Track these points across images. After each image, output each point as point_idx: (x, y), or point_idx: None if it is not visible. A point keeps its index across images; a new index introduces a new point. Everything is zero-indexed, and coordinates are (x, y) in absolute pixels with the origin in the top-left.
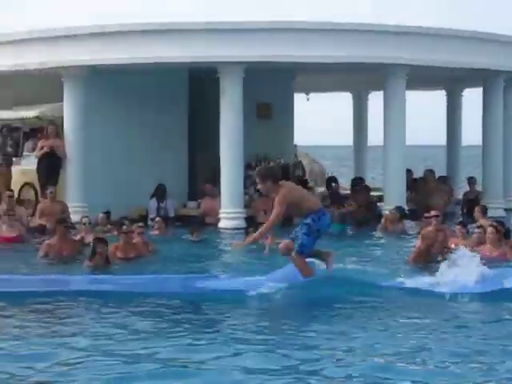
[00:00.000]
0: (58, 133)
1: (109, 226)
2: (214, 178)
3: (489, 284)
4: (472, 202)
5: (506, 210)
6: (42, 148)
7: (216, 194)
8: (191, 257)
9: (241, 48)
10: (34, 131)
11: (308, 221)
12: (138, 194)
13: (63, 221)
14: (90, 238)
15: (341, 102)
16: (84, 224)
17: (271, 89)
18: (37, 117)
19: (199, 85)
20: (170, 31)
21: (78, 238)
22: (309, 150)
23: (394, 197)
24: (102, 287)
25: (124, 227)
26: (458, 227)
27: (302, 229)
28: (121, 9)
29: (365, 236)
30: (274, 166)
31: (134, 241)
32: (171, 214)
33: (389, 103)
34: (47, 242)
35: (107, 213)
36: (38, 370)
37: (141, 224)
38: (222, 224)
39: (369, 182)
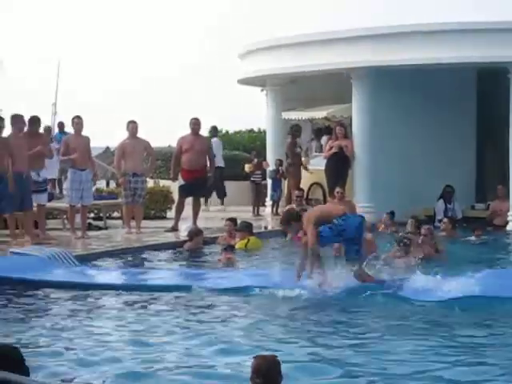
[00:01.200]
0: (347, 133)
1: (393, 228)
2: (504, 180)
3: None
4: None
5: None
6: (330, 148)
7: (506, 196)
8: (473, 258)
9: None
10: (320, 131)
11: (335, 221)
12: (425, 194)
13: None
14: None
15: None
16: None
17: None
18: (325, 117)
19: (488, 84)
20: (457, 31)
21: None
22: None
23: None
24: None
25: (408, 228)
26: None
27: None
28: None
29: None
30: (291, 209)
31: (420, 241)
32: (459, 216)
33: None
34: None
35: (391, 213)
36: None
37: (427, 226)
38: (510, 226)
39: None
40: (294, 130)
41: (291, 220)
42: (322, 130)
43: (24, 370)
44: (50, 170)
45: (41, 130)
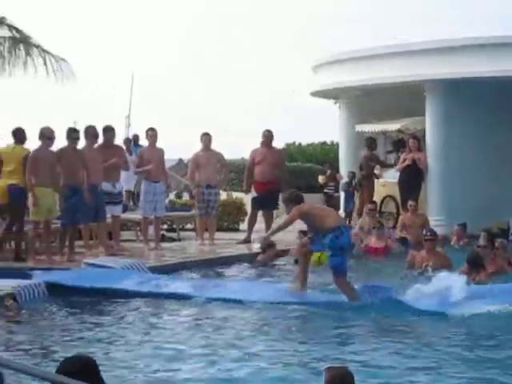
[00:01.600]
0: (420, 146)
1: (465, 240)
2: None
3: None
4: None
5: None
6: (403, 161)
7: None
8: None
9: None
10: (397, 144)
11: (327, 241)
12: (498, 208)
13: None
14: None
15: None
16: None
17: None
18: (399, 130)
19: None
20: None
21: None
22: None
23: None
24: None
25: (480, 242)
26: None
27: (328, 252)
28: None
29: None
30: (296, 191)
31: (493, 255)
32: None
33: None
34: (413, 253)
35: (463, 225)
36: None
37: (500, 240)
38: None
39: None
40: (370, 142)
41: (292, 202)
42: (398, 143)
43: (100, 382)
44: (127, 181)
45: (118, 142)
